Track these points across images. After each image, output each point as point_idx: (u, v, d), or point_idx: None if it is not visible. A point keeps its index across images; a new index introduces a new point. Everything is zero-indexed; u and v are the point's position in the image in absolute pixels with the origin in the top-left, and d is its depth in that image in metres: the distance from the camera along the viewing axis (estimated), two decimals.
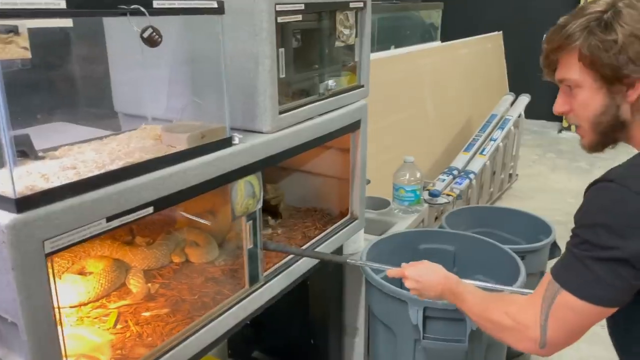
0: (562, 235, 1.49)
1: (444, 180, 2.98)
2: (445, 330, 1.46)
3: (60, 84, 1.28)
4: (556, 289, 0.85)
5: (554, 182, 4.30)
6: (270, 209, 1.65)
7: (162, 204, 0.93)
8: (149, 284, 1.27)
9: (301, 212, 1.72)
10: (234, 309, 1.16)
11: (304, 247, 1.45)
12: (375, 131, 2.74)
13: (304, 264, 1.39)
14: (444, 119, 3.78)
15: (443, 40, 4.59)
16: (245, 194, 1.14)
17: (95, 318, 1.16)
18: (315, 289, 1.72)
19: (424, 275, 1.10)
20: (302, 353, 1.85)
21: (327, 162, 1.66)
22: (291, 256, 1.38)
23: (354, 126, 1.51)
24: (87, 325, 1.14)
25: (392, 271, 1.18)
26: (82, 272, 1.31)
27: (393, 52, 3.66)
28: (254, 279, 1.23)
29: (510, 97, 4.02)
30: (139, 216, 0.89)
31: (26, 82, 1.03)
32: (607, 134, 0.92)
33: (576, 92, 0.91)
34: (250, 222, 1.17)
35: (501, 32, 4.98)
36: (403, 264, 1.15)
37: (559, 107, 0.95)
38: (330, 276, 1.71)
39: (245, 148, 1.11)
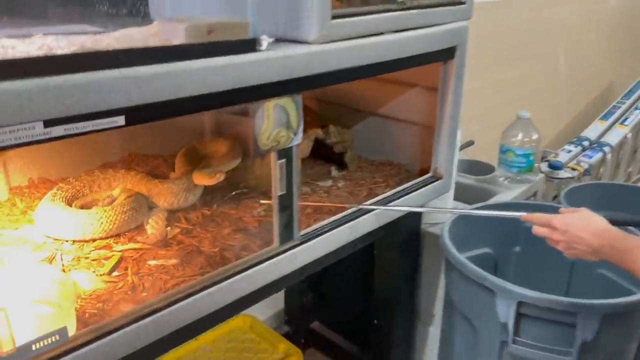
0: None
1: (569, 151, 2.46)
2: (544, 335, 1.08)
3: None
4: None
5: None
6: (334, 157, 1.35)
7: (139, 115, 0.68)
8: (168, 228, 1.05)
9: (373, 166, 1.41)
10: (251, 270, 0.90)
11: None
12: (484, 87, 2.29)
13: (361, 226, 1.08)
14: (576, 81, 3.17)
15: None
16: (275, 121, 0.85)
17: (95, 260, 0.96)
18: (383, 262, 1.41)
19: (575, 225, 0.87)
20: (365, 332, 1.56)
21: (411, 104, 1.32)
22: (344, 214, 1.08)
23: (446, 54, 1.15)
24: (81, 267, 0.94)
25: (532, 217, 0.90)
26: (111, 203, 1.12)
27: None
28: (286, 236, 0.95)
29: None
30: (100, 126, 0.65)
31: None
32: None
33: None
34: (283, 161, 0.89)
35: None
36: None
37: None
38: (402, 248, 1.39)
39: (277, 57, 0.82)
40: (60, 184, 1.11)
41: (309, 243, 0.98)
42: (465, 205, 1.57)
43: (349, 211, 1.08)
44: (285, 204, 0.92)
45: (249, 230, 1.07)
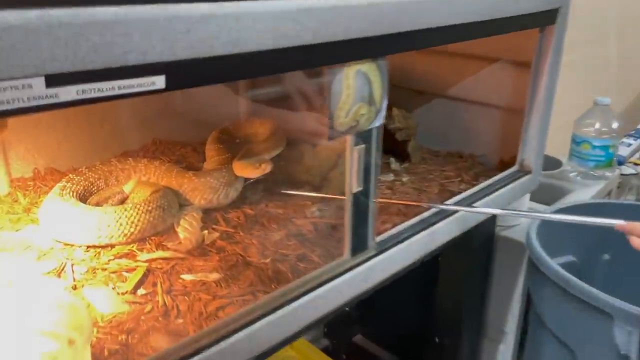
0: None
1: (629, 144, 2.22)
2: None
3: None
4: None
5: None
6: (394, 147, 1.14)
7: (186, 74, 0.46)
8: (205, 231, 0.84)
9: (439, 157, 1.19)
10: (320, 291, 0.68)
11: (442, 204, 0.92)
12: None
13: (443, 231, 0.87)
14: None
15: None
16: (356, 93, 0.63)
17: (115, 272, 0.76)
18: (450, 270, 1.19)
19: None
20: (421, 350, 1.35)
21: (490, 83, 1.09)
22: (422, 216, 0.86)
23: (546, 18, 0.93)
24: (97, 281, 0.74)
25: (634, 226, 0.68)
26: (123, 201, 0.92)
27: None
28: (359, 245, 0.74)
29: None
30: (129, 89, 0.43)
31: None
32: None
33: None
34: (361, 147, 0.68)
35: None
36: None
37: None
38: (472, 255, 1.17)
39: (365, 4, 0.60)
40: (71, 175, 0.90)
41: (385, 254, 0.77)
42: (538, 205, 1.35)
43: (427, 214, 0.87)
44: (362, 204, 0.71)
45: (304, 236, 0.86)
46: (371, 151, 0.69)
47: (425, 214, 0.87)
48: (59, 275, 0.75)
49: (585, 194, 1.42)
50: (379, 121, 0.68)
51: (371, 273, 0.75)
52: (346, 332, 1.54)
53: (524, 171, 1.04)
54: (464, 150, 1.18)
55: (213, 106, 1.15)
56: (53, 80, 0.39)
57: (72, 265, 0.77)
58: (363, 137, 0.68)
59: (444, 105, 1.19)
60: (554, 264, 0.97)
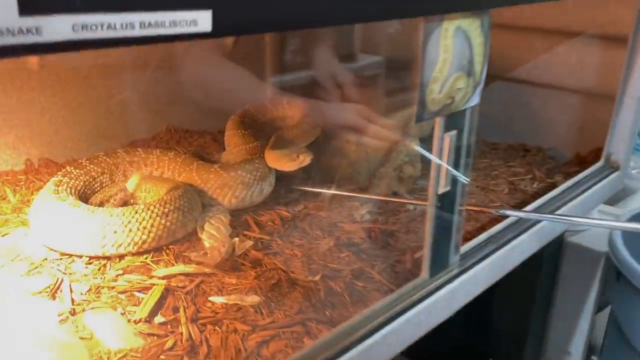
0: None
1: None
2: None
3: None
4: None
5: None
6: None
7: (236, 18, 0.30)
8: (236, 239, 0.68)
9: (498, 150, 1.02)
10: (395, 324, 0.52)
11: (519, 208, 0.76)
12: None
13: (530, 242, 0.70)
14: None
15: None
16: (453, 59, 0.46)
17: (124, 292, 0.59)
18: (507, 280, 1.02)
19: None
20: None
21: (566, 62, 0.92)
22: (503, 224, 0.70)
23: None
24: (102, 305, 0.57)
25: None
26: (126, 201, 0.75)
27: None
28: (440, 261, 0.57)
29: None
30: (156, 31, 0.26)
31: None
32: None
33: None
34: (454, 133, 0.51)
35: None
36: None
37: None
38: (536, 263, 1.01)
39: None
40: (68, 169, 0.74)
41: (469, 272, 0.60)
42: (607, 207, 1.18)
43: (506, 222, 0.70)
44: (446, 209, 0.54)
45: (357, 245, 0.69)
46: (462, 139, 0.52)
47: (505, 223, 0.70)
48: (53, 296, 0.58)
49: None
50: (476, 99, 0.51)
51: (454, 298, 0.58)
52: None
53: (612, 167, 0.87)
54: (529, 143, 1.01)
55: (235, 91, 0.98)
56: (31, 4, 0.22)
57: (70, 282, 0.60)
58: (454, 120, 0.51)
59: (505, 90, 1.02)
60: None
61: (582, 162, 0.92)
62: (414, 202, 0.72)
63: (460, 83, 0.48)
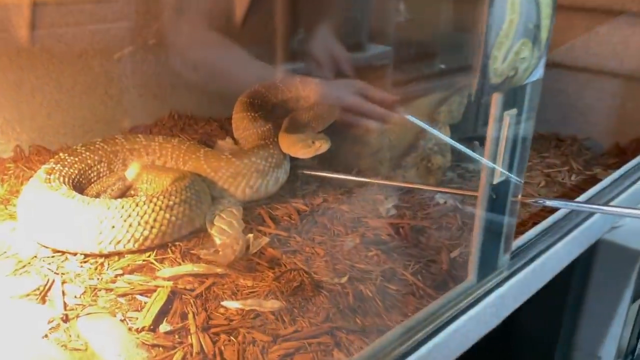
0: None
1: None
2: None
3: None
4: None
5: None
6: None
7: None
8: (250, 235, 0.60)
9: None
10: (441, 336, 0.44)
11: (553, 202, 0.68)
12: None
13: (579, 240, 0.62)
14: None
15: None
16: (520, 22, 0.39)
17: (124, 296, 0.51)
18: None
19: None
20: None
21: (605, 44, 0.85)
22: (550, 219, 0.62)
23: None
24: (99, 310, 0.49)
25: None
26: (124, 192, 0.68)
27: None
28: (488, 263, 0.49)
29: None
30: None
31: None
32: None
33: None
34: (514, 111, 0.43)
35: None
36: None
37: None
38: (569, 267, 0.93)
39: None
40: (62, 155, 0.66)
41: (520, 274, 0.52)
42: None
43: (556, 216, 0.63)
44: (500, 201, 0.47)
45: (385, 243, 0.61)
46: (521, 121, 0.45)
47: (554, 217, 0.62)
48: (42, 299, 0.51)
49: None
50: (540, 72, 0.44)
51: (503, 304, 0.51)
52: None
53: None
54: (562, 132, 0.94)
55: (231, 71, 0.90)
56: None
57: (63, 283, 0.53)
58: (514, 96, 0.43)
59: None
60: None
61: (622, 152, 0.85)
62: (464, 192, 0.64)
63: (525, 51, 0.41)
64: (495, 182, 0.45)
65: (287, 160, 0.71)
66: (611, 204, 0.68)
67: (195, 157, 0.68)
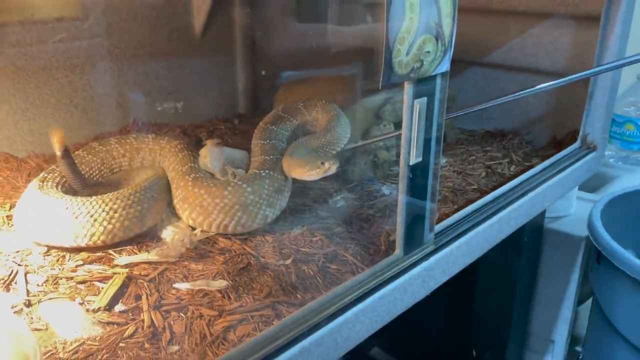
0: None
1: None
2: None
3: None
4: None
5: None
6: None
7: None
8: (197, 231, 0.64)
9: (474, 137, 1.01)
10: (368, 301, 0.49)
11: (492, 191, 0.74)
12: None
13: (508, 220, 0.68)
14: None
15: None
16: (421, 18, 0.45)
17: (84, 283, 0.56)
18: (488, 270, 1.01)
19: None
20: None
21: (540, 45, 0.92)
22: (479, 202, 0.68)
23: None
24: (59, 295, 0.54)
25: None
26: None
27: None
28: (414, 239, 0.55)
29: None
30: None
31: None
32: None
33: None
34: (423, 100, 0.49)
35: None
36: None
37: None
38: (517, 251, 0.99)
39: None
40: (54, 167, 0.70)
41: (446, 249, 0.58)
42: (583, 193, 1.18)
43: (485, 200, 0.68)
44: (420, 181, 0.52)
45: (330, 229, 0.66)
46: (434, 108, 0.50)
47: (483, 200, 0.68)
48: (7, 288, 0.55)
49: (633, 180, 1.25)
50: (446, 65, 0.50)
51: (430, 275, 0.56)
52: (361, 344, 1.35)
53: (588, 148, 0.87)
54: (505, 128, 1.00)
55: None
56: None
57: (26, 274, 0.57)
58: (424, 86, 0.49)
59: (480, 76, 1.01)
60: (633, 257, 0.79)
61: (559, 145, 0.91)
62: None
63: (428, 46, 0.46)
64: (412, 162, 0.50)
65: (289, 183, 0.69)
66: (538, 189, 0.74)
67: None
